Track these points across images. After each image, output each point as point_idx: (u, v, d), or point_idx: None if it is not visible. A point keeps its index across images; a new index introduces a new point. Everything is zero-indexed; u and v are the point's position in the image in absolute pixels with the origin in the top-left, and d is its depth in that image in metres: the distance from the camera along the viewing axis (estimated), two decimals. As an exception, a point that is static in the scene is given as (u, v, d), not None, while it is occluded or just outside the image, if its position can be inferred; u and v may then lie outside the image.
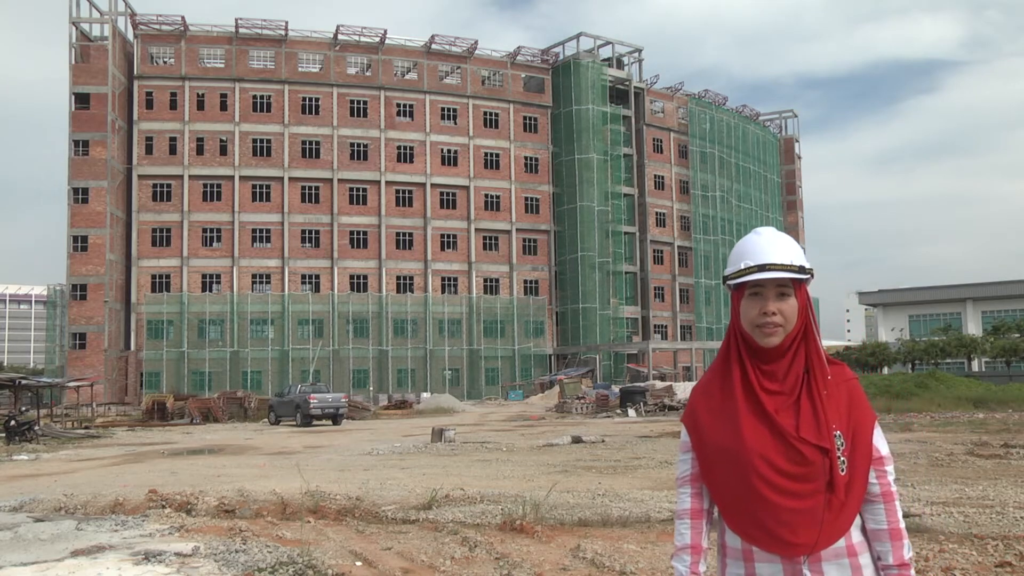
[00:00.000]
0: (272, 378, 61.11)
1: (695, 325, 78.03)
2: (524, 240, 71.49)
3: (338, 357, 63.39)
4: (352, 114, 66.98)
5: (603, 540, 7.34)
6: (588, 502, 9.81)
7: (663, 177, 78.62)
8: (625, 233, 74.74)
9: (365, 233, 66.51)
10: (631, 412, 34.10)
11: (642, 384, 42.99)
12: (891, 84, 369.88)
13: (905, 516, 2.09)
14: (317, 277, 65.05)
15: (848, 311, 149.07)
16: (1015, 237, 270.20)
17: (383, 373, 64.17)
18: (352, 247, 66.09)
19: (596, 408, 37.17)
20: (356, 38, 67.34)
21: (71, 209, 58.86)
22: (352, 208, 66.26)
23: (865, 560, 2.02)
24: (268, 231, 64.60)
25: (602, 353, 67.80)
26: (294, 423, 32.91)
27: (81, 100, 59.91)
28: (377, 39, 67.35)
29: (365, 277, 66.17)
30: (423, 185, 68.16)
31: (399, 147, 68.02)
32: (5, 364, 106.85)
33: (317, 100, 66.23)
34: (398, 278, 67.02)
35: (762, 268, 2.04)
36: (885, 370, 61.68)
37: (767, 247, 2.07)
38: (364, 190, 66.86)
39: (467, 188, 69.50)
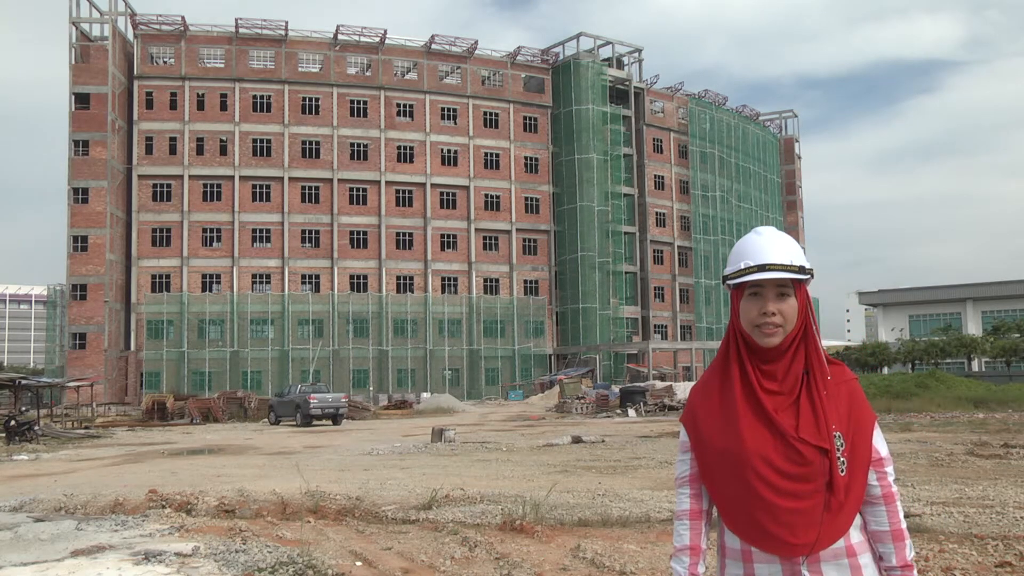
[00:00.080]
0: (272, 378, 61.11)
1: (695, 325, 78.01)
2: (524, 240, 71.48)
3: (338, 357, 63.38)
4: (352, 114, 66.97)
5: (603, 540, 7.34)
6: (588, 502, 9.81)
7: (663, 177, 78.60)
8: (625, 233, 74.71)
9: (365, 233, 66.50)
10: (631, 412, 34.11)
11: (642, 384, 42.96)
12: (891, 84, 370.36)
13: (905, 516, 2.09)
14: (317, 277, 65.05)
15: (848, 311, 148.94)
16: (1015, 237, 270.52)
17: (383, 373, 64.17)
18: (352, 247, 66.08)
19: (596, 408, 37.19)
20: (356, 38, 67.32)
21: (71, 209, 58.86)
22: (352, 208, 66.25)
23: (864, 560, 2.01)
24: (268, 231, 64.61)
25: (602, 353, 67.78)
26: (294, 423, 32.92)
27: (81, 100, 59.92)
28: (377, 39, 67.34)
29: (365, 277, 66.17)
30: (423, 185, 68.15)
31: (399, 147, 68.01)
32: (5, 364, 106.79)
33: (317, 100, 66.22)
34: (398, 278, 67.02)
35: (762, 268, 2.03)
36: (885, 370, 61.72)
37: (767, 247, 2.06)
38: (364, 190, 66.85)
39: (467, 188, 69.48)
